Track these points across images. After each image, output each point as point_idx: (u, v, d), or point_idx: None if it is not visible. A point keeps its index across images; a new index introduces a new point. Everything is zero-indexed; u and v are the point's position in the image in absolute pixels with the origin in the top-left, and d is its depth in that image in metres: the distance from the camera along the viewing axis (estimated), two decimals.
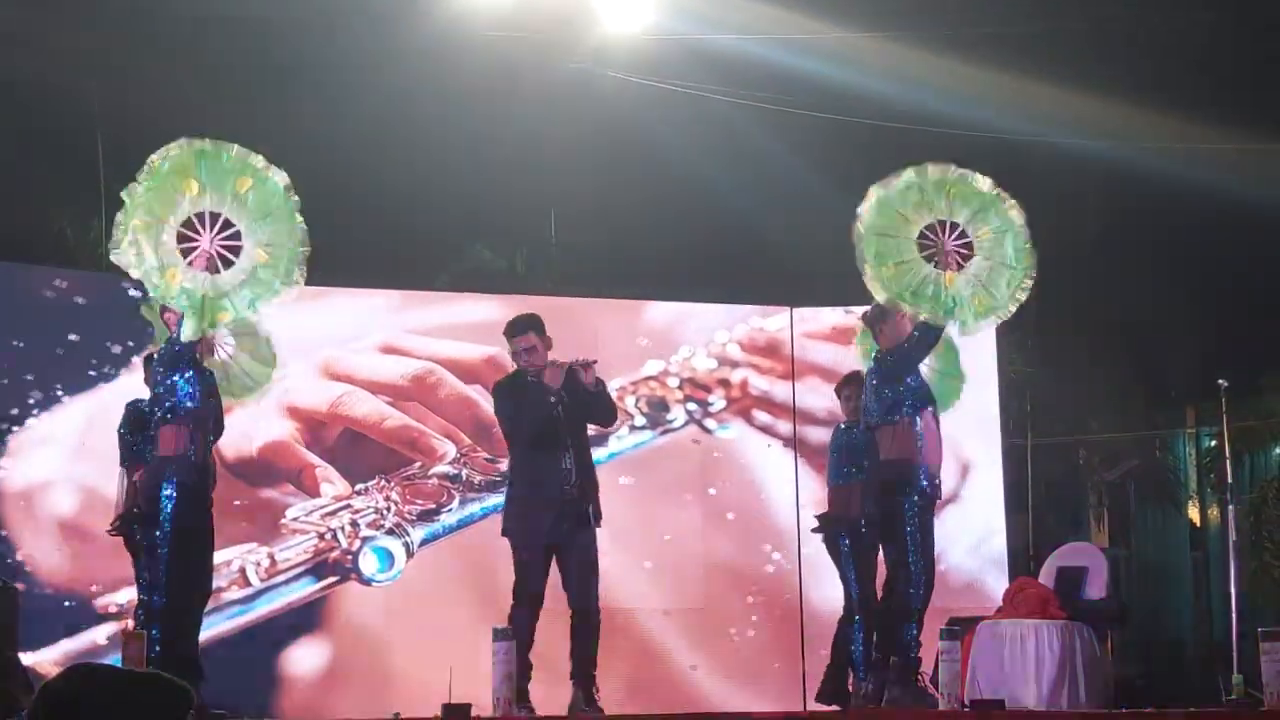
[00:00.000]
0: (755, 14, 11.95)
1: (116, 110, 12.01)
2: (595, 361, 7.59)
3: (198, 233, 6.95)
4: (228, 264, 6.97)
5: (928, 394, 7.59)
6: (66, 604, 9.06)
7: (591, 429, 7.77)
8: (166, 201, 6.91)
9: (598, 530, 7.65)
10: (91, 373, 9.31)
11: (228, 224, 6.99)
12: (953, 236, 7.53)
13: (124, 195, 6.95)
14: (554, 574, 7.55)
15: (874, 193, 7.58)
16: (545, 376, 7.43)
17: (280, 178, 7.07)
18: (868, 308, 7.89)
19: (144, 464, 7.33)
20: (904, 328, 7.61)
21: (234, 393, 7.63)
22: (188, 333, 6.93)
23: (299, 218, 7.07)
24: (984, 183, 7.65)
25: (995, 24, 12.43)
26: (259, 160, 7.05)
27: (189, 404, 7.01)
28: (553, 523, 7.41)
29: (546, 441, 7.43)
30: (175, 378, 7.03)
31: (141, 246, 6.84)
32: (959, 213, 7.55)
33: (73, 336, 9.33)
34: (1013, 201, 7.63)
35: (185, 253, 6.92)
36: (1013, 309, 7.63)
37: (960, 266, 7.46)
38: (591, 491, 7.56)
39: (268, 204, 7.02)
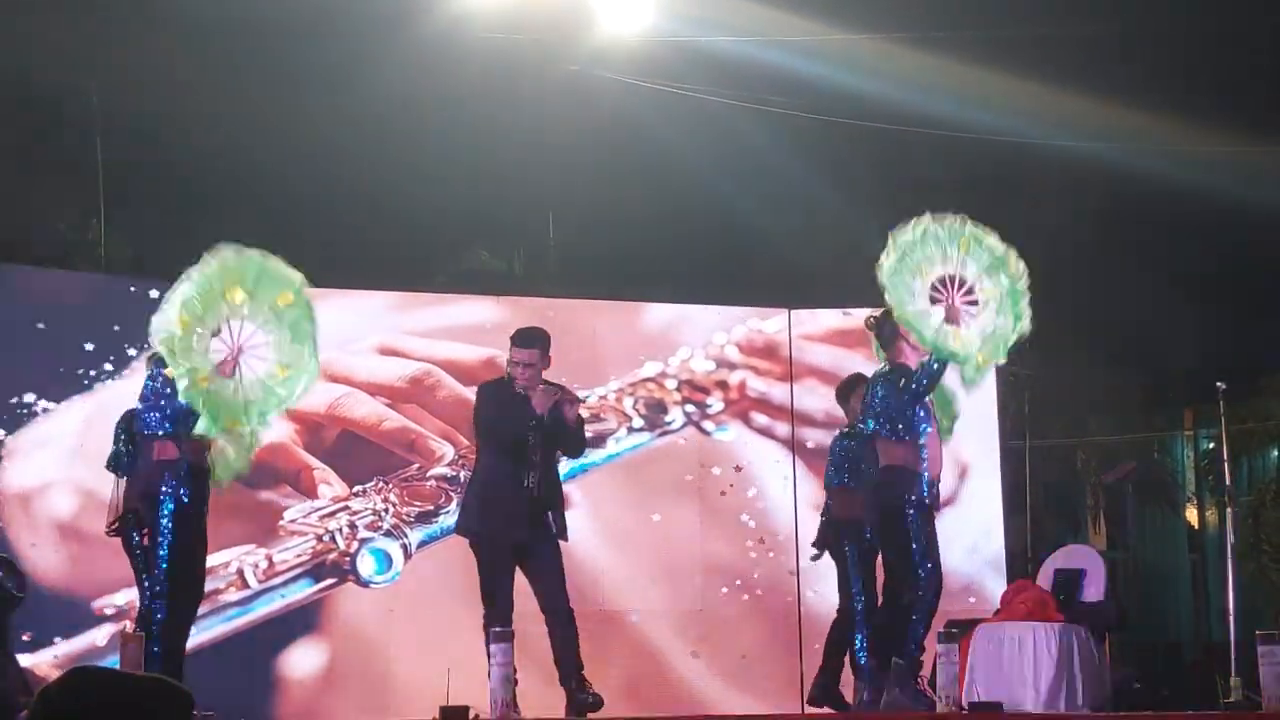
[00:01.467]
0: (754, 16, 11.96)
1: (116, 111, 12.01)
2: (583, 401, 7.63)
3: (230, 338, 6.97)
4: (246, 373, 6.99)
5: (929, 409, 7.62)
6: (64, 605, 9.06)
7: None
8: (211, 304, 6.93)
9: (584, 532, 7.68)
10: (90, 374, 9.30)
11: (258, 335, 7.02)
12: (960, 292, 7.52)
13: (179, 292, 6.98)
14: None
15: (894, 239, 7.56)
16: (534, 399, 7.47)
17: (310, 300, 7.10)
18: (877, 313, 7.87)
19: (135, 469, 7.32)
20: (919, 345, 7.64)
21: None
22: (200, 429, 6.95)
23: (317, 339, 7.12)
24: (994, 240, 7.62)
25: (995, 26, 12.44)
26: (299, 277, 7.08)
27: (169, 427, 7.04)
28: (512, 529, 7.44)
29: (515, 456, 7.48)
30: (164, 403, 7.07)
31: (188, 341, 6.88)
32: (969, 267, 7.54)
33: (71, 338, 9.32)
34: (1018, 258, 7.61)
35: (215, 357, 6.94)
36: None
37: (964, 322, 7.47)
38: (554, 505, 7.59)
39: (300, 326, 7.05)
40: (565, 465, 8.19)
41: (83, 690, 2.62)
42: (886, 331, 7.77)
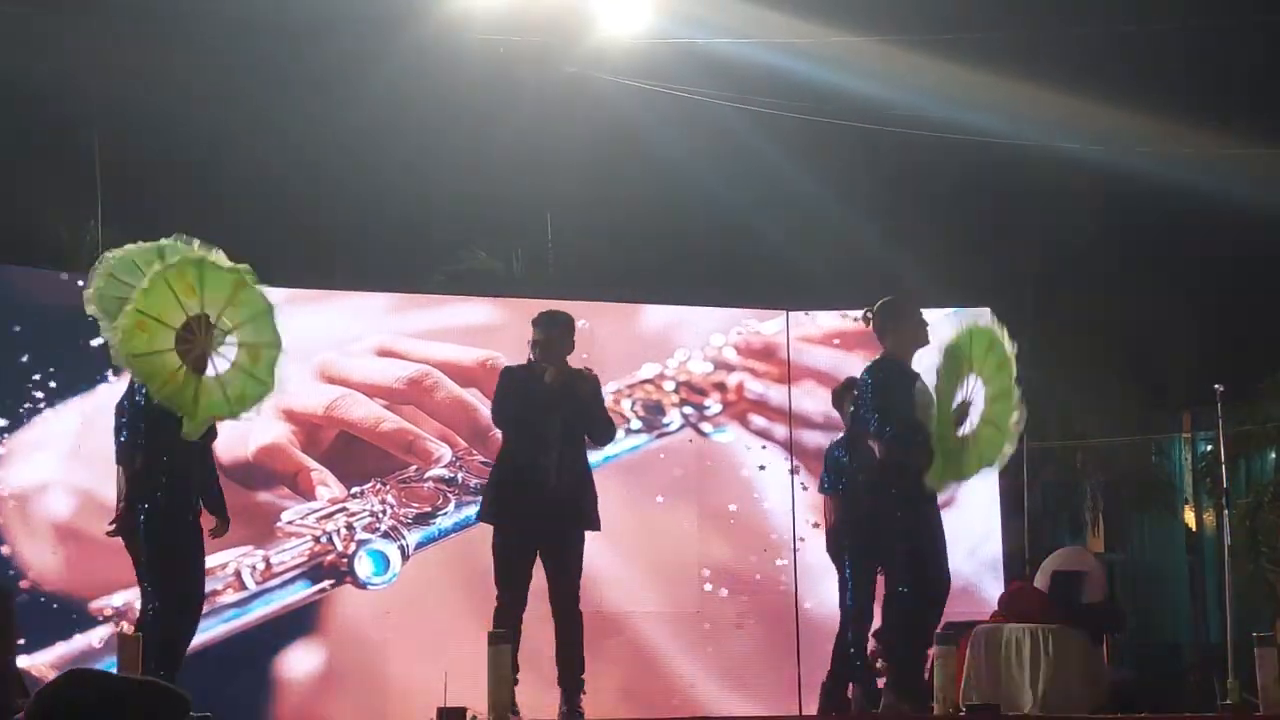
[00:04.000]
0: (752, 18, 11.97)
1: (114, 112, 12.01)
2: (596, 377, 7.57)
3: (193, 335, 6.99)
4: (217, 365, 7.04)
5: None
6: (62, 607, 9.05)
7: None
8: (167, 305, 6.96)
9: (592, 533, 7.62)
10: (88, 376, 9.29)
11: (220, 327, 7.05)
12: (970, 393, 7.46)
13: (124, 282, 7.05)
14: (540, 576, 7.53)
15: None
16: (547, 375, 7.43)
17: (261, 289, 7.18)
18: (875, 305, 7.82)
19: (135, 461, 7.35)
20: (916, 335, 7.59)
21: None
22: (187, 430, 6.98)
23: (278, 326, 7.15)
24: (1010, 345, 7.51)
25: (993, 28, 12.45)
26: (245, 268, 7.16)
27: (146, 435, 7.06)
28: (535, 518, 7.37)
29: (529, 430, 7.41)
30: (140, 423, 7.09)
31: (147, 335, 6.90)
32: (983, 372, 7.47)
33: (69, 339, 9.32)
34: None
35: (182, 354, 6.95)
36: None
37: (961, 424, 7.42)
38: (583, 496, 7.52)
39: (254, 306, 7.08)
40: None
41: (78, 691, 2.62)
42: (879, 322, 7.72)
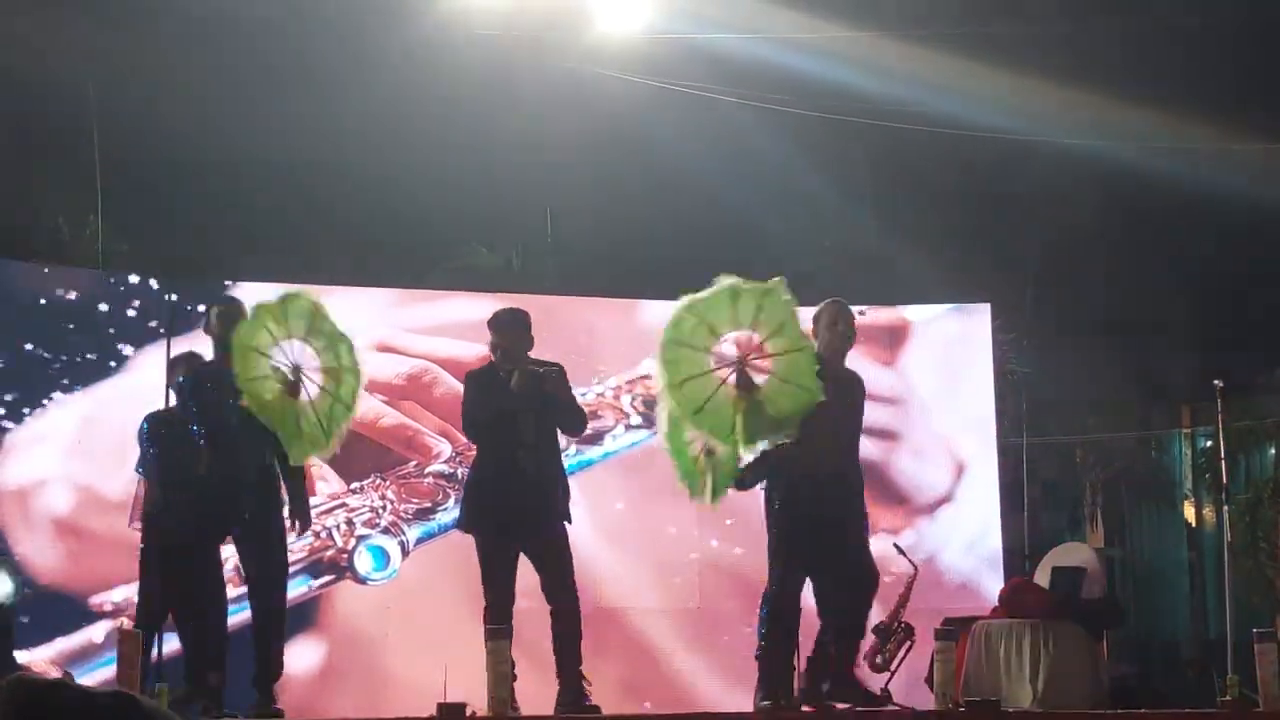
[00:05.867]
0: (752, 13, 11.96)
1: (114, 108, 12.01)
2: (555, 368, 7.49)
3: (287, 358, 7.12)
4: (311, 390, 7.15)
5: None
6: (62, 602, 9.05)
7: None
8: (254, 332, 7.11)
9: (581, 529, 7.63)
10: (87, 370, 9.29)
11: (306, 351, 7.16)
12: (751, 352, 7.25)
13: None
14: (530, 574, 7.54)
15: (681, 301, 7.37)
16: (513, 381, 7.36)
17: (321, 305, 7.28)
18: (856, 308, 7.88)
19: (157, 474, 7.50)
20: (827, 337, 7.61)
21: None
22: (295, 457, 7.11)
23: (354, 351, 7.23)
24: (789, 298, 7.31)
25: (997, 24, 12.44)
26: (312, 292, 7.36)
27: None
28: (513, 519, 7.35)
29: (502, 438, 7.37)
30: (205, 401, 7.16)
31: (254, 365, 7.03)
32: (763, 327, 7.28)
33: (68, 334, 9.32)
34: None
35: (280, 378, 7.08)
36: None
37: (750, 386, 7.19)
38: (558, 493, 7.48)
39: (334, 337, 7.22)
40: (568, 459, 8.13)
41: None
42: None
